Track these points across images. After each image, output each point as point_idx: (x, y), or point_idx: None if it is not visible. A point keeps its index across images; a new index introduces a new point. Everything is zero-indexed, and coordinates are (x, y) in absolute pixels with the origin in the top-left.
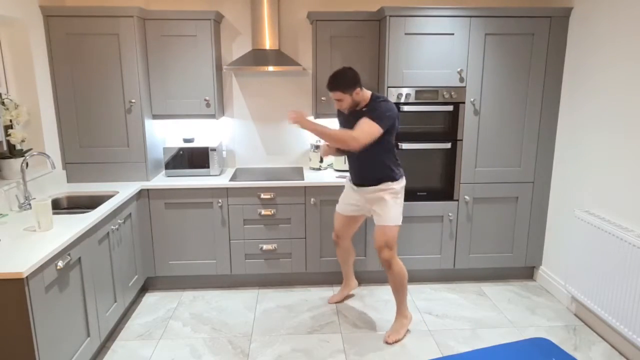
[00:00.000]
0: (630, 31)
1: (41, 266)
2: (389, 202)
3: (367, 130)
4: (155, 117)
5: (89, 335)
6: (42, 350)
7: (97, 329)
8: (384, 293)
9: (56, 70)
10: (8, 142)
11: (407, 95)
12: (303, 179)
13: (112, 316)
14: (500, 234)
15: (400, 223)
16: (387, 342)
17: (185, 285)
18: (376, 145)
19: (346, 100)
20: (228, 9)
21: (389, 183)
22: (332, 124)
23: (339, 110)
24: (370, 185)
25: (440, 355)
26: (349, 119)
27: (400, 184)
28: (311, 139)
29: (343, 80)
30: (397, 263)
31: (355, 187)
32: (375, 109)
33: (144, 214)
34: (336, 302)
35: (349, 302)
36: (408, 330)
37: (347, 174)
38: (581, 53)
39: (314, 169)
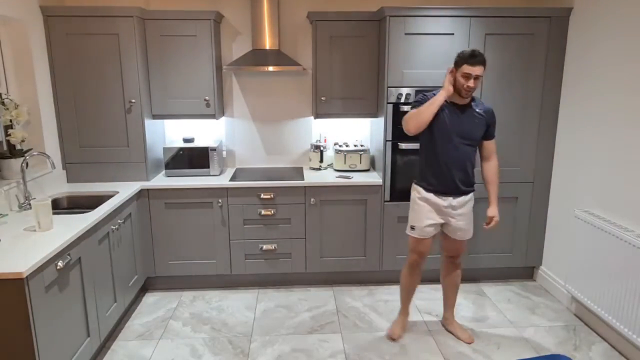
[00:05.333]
0: (630, 31)
1: (41, 266)
2: (471, 215)
3: (496, 145)
4: (155, 117)
5: (89, 335)
6: (42, 350)
7: (97, 329)
8: (384, 293)
9: (56, 70)
10: (8, 142)
11: (407, 95)
12: (303, 179)
13: (112, 316)
14: (500, 234)
15: None
16: (469, 342)
17: (185, 285)
18: (476, 148)
19: (480, 80)
20: (228, 9)
21: (473, 194)
22: (332, 124)
23: (440, 108)
24: (462, 195)
25: (440, 355)
26: (455, 115)
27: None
28: (311, 138)
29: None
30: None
31: (436, 198)
32: (494, 116)
33: (144, 214)
34: (400, 336)
35: (349, 302)
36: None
37: (419, 188)
38: (581, 53)
39: (314, 169)
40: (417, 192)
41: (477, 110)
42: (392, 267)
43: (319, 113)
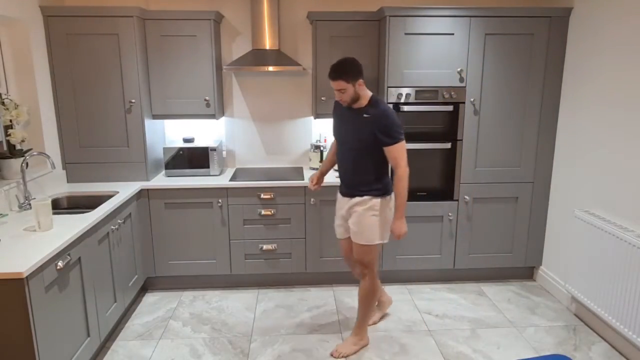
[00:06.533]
0: (630, 31)
1: (41, 266)
2: (364, 218)
3: (400, 154)
4: (155, 117)
5: (89, 335)
6: (42, 350)
7: (97, 328)
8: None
9: (56, 71)
10: (8, 142)
11: (407, 95)
12: (303, 179)
13: (112, 316)
14: (500, 234)
15: (379, 241)
16: (332, 355)
17: (185, 285)
18: (371, 152)
19: (349, 91)
20: (228, 9)
21: (369, 198)
22: (332, 124)
23: (336, 106)
24: (357, 197)
25: (440, 355)
26: (344, 118)
27: (389, 202)
28: (311, 139)
29: (346, 68)
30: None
31: (340, 197)
32: (381, 121)
33: (144, 214)
34: (374, 323)
35: (349, 302)
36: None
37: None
38: (581, 53)
39: (314, 168)
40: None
41: (364, 115)
42: (392, 267)
43: (319, 113)
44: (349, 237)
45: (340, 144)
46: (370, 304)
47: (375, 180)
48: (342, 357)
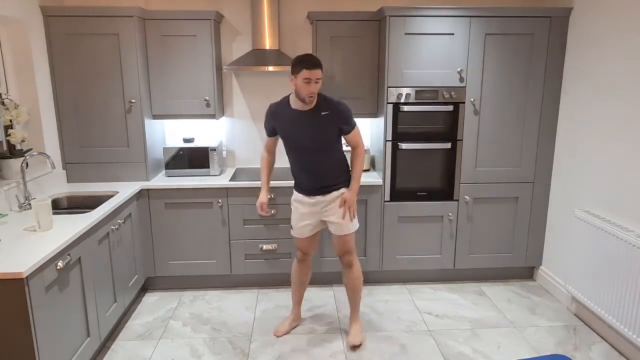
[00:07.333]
0: (630, 31)
1: (41, 266)
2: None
3: (359, 136)
4: (155, 117)
5: (89, 335)
6: (42, 350)
7: (97, 328)
8: (384, 293)
9: (56, 70)
10: (8, 142)
11: (407, 95)
12: None
13: (112, 316)
14: (500, 234)
15: (357, 225)
16: (351, 349)
17: (185, 285)
18: (333, 147)
19: (320, 83)
20: (228, 9)
21: (345, 188)
22: None
23: (276, 112)
24: (332, 192)
25: (440, 355)
26: (298, 122)
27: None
28: None
29: (319, 60)
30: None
31: (307, 198)
32: (341, 111)
33: (144, 214)
34: (284, 334)
35: None
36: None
37: (294, 191)
38: (581, 53)
39: None
40: (293, 194)
41: (322, 113)
42: (392, 267)
43: None
44: (313, 234)
45: (299, 148)
46: (361, 286)
47: (343, 171)
48: (357, 345)
